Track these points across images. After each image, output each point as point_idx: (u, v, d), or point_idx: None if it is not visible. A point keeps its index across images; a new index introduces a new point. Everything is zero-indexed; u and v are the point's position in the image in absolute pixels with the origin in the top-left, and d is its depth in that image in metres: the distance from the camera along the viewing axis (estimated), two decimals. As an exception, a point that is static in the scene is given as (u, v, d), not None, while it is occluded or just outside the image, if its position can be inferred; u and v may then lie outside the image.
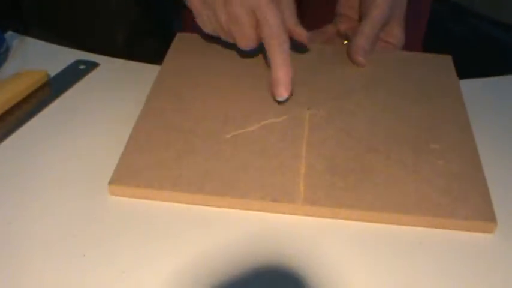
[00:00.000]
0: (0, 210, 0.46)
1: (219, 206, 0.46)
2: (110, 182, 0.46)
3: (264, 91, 0.56)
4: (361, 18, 0.62)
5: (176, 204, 0.46)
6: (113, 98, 0.60)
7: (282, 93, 0.53)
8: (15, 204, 0.47)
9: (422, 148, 0.50)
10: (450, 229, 0.44)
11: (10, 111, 0.57)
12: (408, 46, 0.64)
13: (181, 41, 0.64)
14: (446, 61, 0.62)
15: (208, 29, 0.58)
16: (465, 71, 0.63)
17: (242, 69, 0.59)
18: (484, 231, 0.44)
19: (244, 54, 0.59)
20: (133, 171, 0.47)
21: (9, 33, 0.70)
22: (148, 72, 0.60)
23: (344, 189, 0.46)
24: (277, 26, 0.52)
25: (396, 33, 0.63)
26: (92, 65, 0.65)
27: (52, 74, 0.63)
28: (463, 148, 0.50)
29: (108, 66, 0.66)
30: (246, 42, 0.56)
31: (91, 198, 0.47)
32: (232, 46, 0.58)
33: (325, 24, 0.69)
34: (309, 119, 0.53)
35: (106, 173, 0.47)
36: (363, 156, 0.49)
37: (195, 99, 0.55)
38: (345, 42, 0.66)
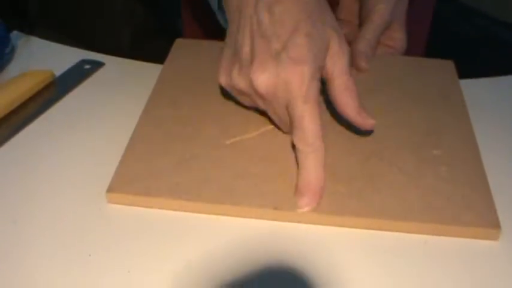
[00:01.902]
0: (5, 209, 0.46)
1: (218, 214, 0.46)
2: (108, 190, 0.46)
3: None
4: (361, 23, 0.62)
5: (175, 212, 0.46)
6: (118, 97, 0.60)
7: (308, 204, 0.45)
8: (20, 203, 0.47)
9: (425, 154, 0.50)
10: (454, 236, 0.44)
11: (16, 111, 0.57)
12: (411, 49, 0.64)
13: (180, 47, 0.64)
14: (448, 66, 0.61)
15: (244, 103, 0.52)
16: (471, 72, 0.63)
17: None
18: (488, 238, 0.44)
19: None
20: (131, 179, 0.47)
21: (14, 33, 0.70)
22: (154, 71, 0.60)
23: (347, 196, 0.46)
24: (312, 133, 0.44)
25: (398, 37, 0.63)
26: (97, 65, 0.65)
27: (58, 73, 0.63)
28: (466, 154, 0.50)
29: (114, 65, 0.66)
30: (286, 130, 0.50)
31: (91, 203, 0.47)
32: None
33: None
34: None
35: (107, 176, 0.47)
36: (365, 163, 0.49)
37: (194, 105, 0.55)
38: None
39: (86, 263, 0.42)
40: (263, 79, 0.44)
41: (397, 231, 0.44)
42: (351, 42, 0.63)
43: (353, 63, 0.60)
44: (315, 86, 0.44)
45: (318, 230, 0.45)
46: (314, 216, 0.45)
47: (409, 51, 0.64)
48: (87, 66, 0.65)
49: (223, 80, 0.49)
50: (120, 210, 0.46)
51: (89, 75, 0.64)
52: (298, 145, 0.45)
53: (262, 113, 0.53)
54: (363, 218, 0.44)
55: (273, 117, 0.49)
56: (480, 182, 0.47)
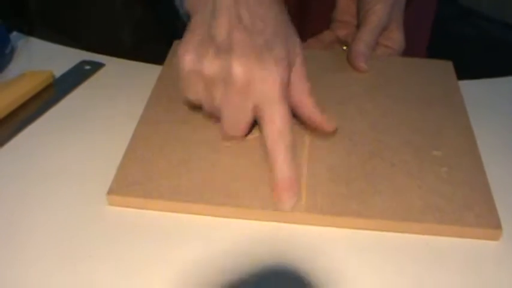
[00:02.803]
0: (4, 210, 0.46)
1: (218, 216, 0.46)
2: (108, 192, 0.46)
3: None
4: (359, 24, 0.62)
5: (175, 214, 0.46)
6: (118, 98, 0.60)
7: (289, 200, 0.45)
8: (19, 204, 0.47)
9: (425, 155, 0.50)
10: (455, 236, 0.44)
11: (15, 112, 0.57)
12: (412, 50, 0.64)
13: None
14: (447, 67, 0.61)
15: (191, 96, 0.50)
16: (472, 73, 0.63)
17: None
18: (489, 238, 0.44)
19: None
20: (132, 181, 0.47)
21: (14, 34, 0.70)
22: (154, 72, 0.60)
23: (347, 197, 0.46)
24: (284, 128, 0.44)
25: (395, 37, 0.63)
26: (97, 66, 0.65)
27: (57, 74, 0.63)
28: (466, 154, 0.50)
29: (114, 66, 0.66)
30: (233, 132, 0.49)
31: (91, 205, 0.47)
32: None
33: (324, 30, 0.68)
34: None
35: (107, 178, 0.47)
36: (365, 163, 0.49)
37: (193, 107, 0.55)
38: (344, 47, 0.65)
39: (86, 264, 0.42)
40: (244, 69, 0.44)
41: (398, 232, 0.44)
42: (349, 43, 0.63)
43: (352, 64, 0.60)
44: (287, 87, 0.46)
45: (318, 231, 0.45)
46: (315, 217, 0.45)
47: (410, 52, 0.64)
48: (87, 67, 0.65)
49: (189, 61, 0.47)
50: (120, 212, 0.46)
51: (89, 76, 0.63)
52: (269, 142, 0.45)
53: None
54: (364, 219, 0.44)
55: (226, 113, 0.47)
56: (480, 183, 0.47)
